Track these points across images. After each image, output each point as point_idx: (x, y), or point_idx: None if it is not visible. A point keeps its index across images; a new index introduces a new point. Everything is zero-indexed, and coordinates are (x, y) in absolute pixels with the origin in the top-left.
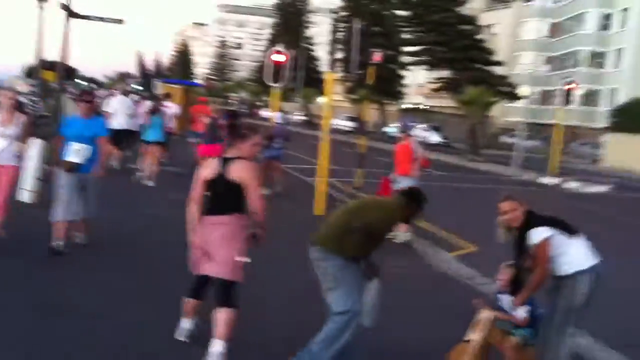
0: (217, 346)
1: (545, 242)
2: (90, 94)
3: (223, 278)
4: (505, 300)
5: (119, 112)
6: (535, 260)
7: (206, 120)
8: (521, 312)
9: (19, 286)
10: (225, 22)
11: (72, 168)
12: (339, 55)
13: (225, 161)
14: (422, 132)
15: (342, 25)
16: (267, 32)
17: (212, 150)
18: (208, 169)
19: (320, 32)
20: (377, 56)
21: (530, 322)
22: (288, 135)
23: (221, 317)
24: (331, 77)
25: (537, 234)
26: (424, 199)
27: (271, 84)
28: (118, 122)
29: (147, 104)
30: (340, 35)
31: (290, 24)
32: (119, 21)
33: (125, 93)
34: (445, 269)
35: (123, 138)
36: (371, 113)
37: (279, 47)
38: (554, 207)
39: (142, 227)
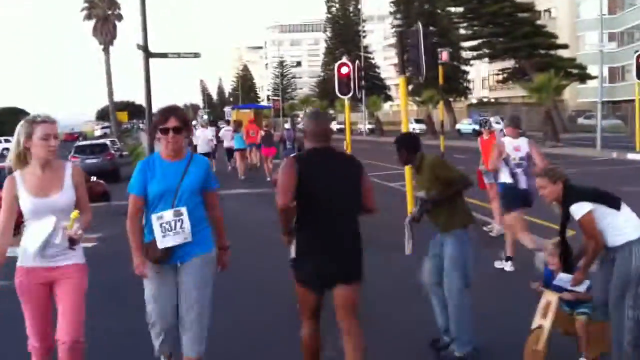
0: None
1: (588, 216)
2: (182, 117)
3: None
4: (565, 279)
5: (201, 141)
6: (585, 234)
7: (262, 133)
8: (583, 288)
9: None
10: (279, 43)
11: (163, 257)
12: (404, 58)
13: None
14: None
15: (399, 30)
16: (322, 47)
17: (270, 151)
18: None
19: (375, 40)
20: (444, 56)
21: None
22: (295, 138)
23: None
24: (403, 81)
25: (578, 210)
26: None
27: (342, 96)
28: (202, 149)
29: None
30: (399, 39)
31: (344, 36)
32: (197, 55)
33: (205, 126)
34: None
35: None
36: (442, 112)
37: (345, 60)
38: None
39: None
